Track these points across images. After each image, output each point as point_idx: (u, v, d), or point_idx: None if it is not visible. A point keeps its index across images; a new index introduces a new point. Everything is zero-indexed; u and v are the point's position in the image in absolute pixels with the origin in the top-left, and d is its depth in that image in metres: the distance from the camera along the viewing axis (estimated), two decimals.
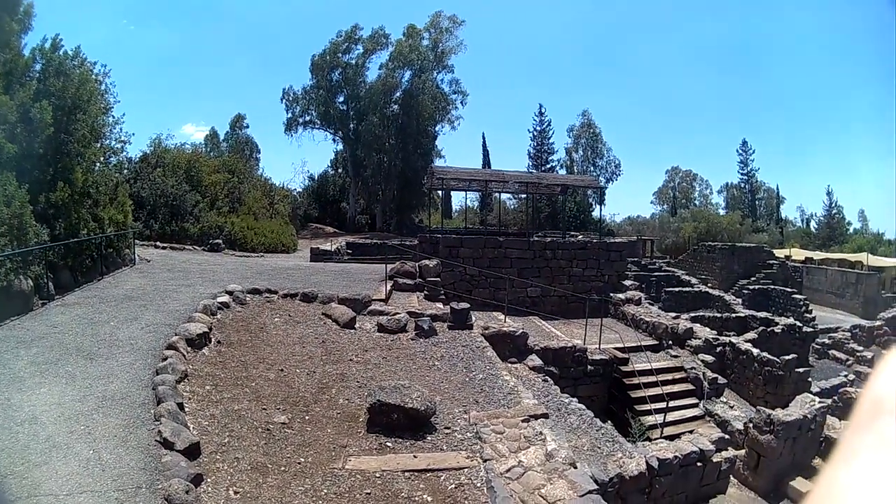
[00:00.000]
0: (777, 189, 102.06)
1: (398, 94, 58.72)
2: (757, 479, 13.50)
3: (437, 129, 62.51)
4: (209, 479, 6.82)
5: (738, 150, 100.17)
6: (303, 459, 7.62)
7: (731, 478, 13.46)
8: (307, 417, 8.89)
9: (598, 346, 18.23)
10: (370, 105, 56.85)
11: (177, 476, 6.41)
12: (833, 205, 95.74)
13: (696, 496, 11.88)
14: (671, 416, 15.93)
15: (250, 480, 6.95)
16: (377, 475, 7.41)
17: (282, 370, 10.63)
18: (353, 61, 59.50)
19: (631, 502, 10.52)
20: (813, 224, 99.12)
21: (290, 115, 61.22)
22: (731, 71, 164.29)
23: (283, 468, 7.35)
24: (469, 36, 77.03)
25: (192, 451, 7.18)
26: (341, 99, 60.51)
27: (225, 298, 14.08)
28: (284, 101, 61.12)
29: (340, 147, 64.18)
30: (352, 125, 60.04)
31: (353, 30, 59.27)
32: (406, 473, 7.54)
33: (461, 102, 63.28)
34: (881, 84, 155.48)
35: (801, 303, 36.44)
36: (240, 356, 11.05)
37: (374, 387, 9.46)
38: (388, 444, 8.34)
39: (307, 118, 61.40)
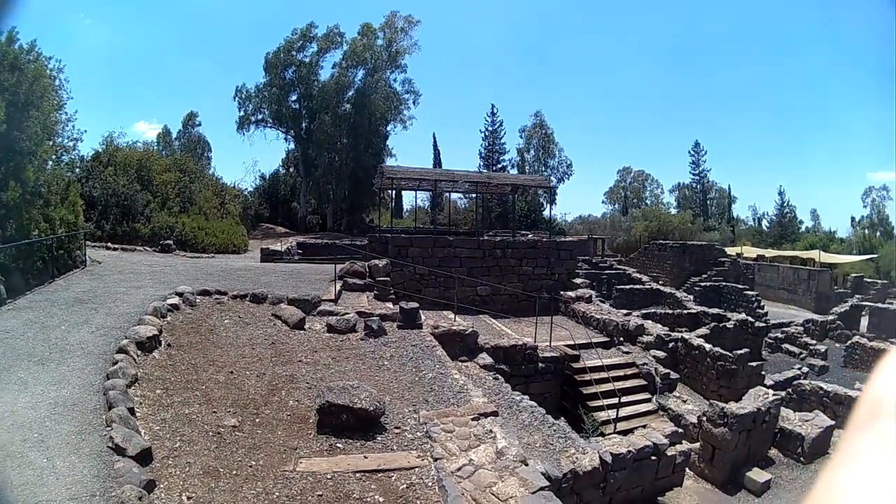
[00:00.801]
0: (729, 189, 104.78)
1: (351, 93, 58.83)
2: (713, 471, 13.75)
3: (388, 128, 62.86)
4: (162, 485, 6.74)
5: (689, 151, 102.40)
6: (254, 463, 7.57)
7: (688, 470, 13.69)
8: (257, 420, 8.82)
9: (548, 343, 18.37)
10: (322, 104, 56.94)
11: (129, 483, 6.31)
12: (785, 204, 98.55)
13: (652, 489, 12.03)
14: (624, 412, 16.09)
15: (202, 485, 6.88)
16: (328, 477, 7.37)
17: (231, 372, 10.53)
18: (307, 60, 59.33)
19: (586, 497, 10.64)
20: (765, 223, 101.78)
21: (242, 113, 60.83)
22: (683, 72, 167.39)
23: (234, 472, 7.29)
24: (423, 36, 77.37)
25: (145, 457, 7.09)
26: (294, 97, 60.28)
27: (175, 300, 13.90)
28: (237, 98, 60.69)
29: (292, 146, 63.95)
30: (304, 124, 59.93)
31: (308, 28, 59.02)
32: (357, 474, 7.52)
33: (413, 102, 63.70)
34: (834, 85, 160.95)
35: (753, 299, 37.21)
36: (190, 359, 10.93)
37: (323, 388, 9.41)
38: (339, 445, 8.32)
39: (259, 116, 61.04)
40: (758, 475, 13.54)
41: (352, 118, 57.43)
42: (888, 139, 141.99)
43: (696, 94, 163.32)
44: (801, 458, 14.80)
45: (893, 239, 72.17)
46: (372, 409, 8.82)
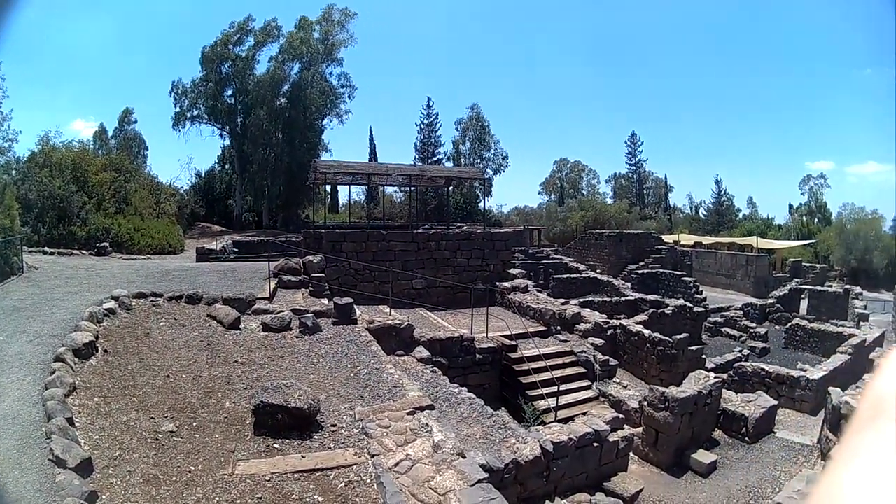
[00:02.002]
0: (665, 178, 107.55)
1: (286, 87, 59.17)
2: (658, 455, 13.92)
3: (324, 123, 63.58)
4: (104, 496, 6.62)
5: (626, 142, 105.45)
6: (193, 468, 7.48)
7: (633, 455, 13.86)
8: (195, 424, 8.72)
9: (485, 334, 18.55)
10: (258, 98, 56.98)
11: (71, 495, 6.19)
12: (722, 193, 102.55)
13: (597, 475, 12.10)
14: (565, 399, 16.31)
15: (143, 493, 6.79)
16: (267, 478, 7.34)
17: (168, 376, 10.39)
18: (244, 54, 59.37)
19: (530, 486, 10.67)
20: (702, 211, 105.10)
21: (178, 109, 60.58)
22: (619, 64, 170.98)
23: (174, 478, 7.21)
24: (360, 29, 77.10)
25: (85, 468, 6.94)
26: (230, 92, 60.26)
27: (111, 304, 13.60)
28: (173, 94, 60.36)
29: (228, 142, 63.84)
30: (239, 119, 59.92)
31: (245, 21, 59.05)
32: (296, 474, 7.49)
33: (349, 96, 64.41)
34: (771, 77, 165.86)
35: (692, 285, 37.98)
36: (126, 364, 10.74)
37: (258, 388, 9.35)
38: (276, 445, 8.28)
39: (195, 112, 60.82)
40: (703, 456, 13.74)
41: (287, 113, 57.94)
42: (826, 130, 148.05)
43: (632, 85, 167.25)
44: (746, 438, 15.05)
45: (832, 225, 74.63)
46: (307, 407, 8.76)
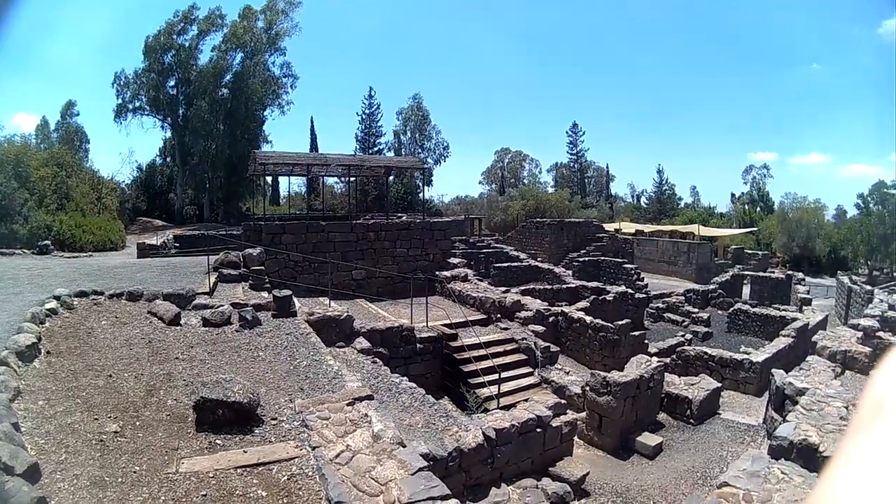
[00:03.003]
0: (607, 168, 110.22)
1: (229, 77, 58.74)
2: (603, 439, 14.09)
3: (266, 113, 63.32)
4: (52, 502, 6.50)
5: (567, 132, 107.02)
6: (138, 468, 7.39)
7: (578, 440, 14.08)
8: (138, 423, 8.61)
9: (425, 324, 18.66)
10: (200, 89, 56.38)
11: (21, 502, 6.07)
12: (664, 182, 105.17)
13: (542, 461, 12.18)
14: (507, 387, 16.47)
15: (91, 497, 6.69)
16: (211, 475, 7.28)
17: (110, 376, 10.23)
18: (187, 43, 58.38)
19: (475, 474, 10.71)
20: (644, 200, 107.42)
21: (120, 100, 59.22)
22: (560, 55, 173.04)
23: (120, 480, 7.11)
24: (302, 17, 76.29)
25: (33, 474, 6.82)
26: (172, 83, 59.23)
27: (53, 304, 13.37)
28: (116, 85, 59.01)
29: (169, 134, 62.55)
30: (181, 111, 59.00)
31: (189, 10, 58.02)
32: (238, 470, 7.46)
33: (292, 86, 64.30)
34: (715, 68, 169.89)
35: (633, 272, 38.64)
36: (69, 365, 10.56)
37: (198, 384, 9.28)
38: (218, 441, 8.21)
39: (137, 104, 59.56)
40: (648, 439, 13.93)
41: (229, 103, 57.62)
42: (770, 122, 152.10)
43: (574, 75, 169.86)
44: (691, 420, 15.31)
45: (774, 213, 76.71)
46: (246, 401, 8.72)
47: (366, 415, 8.98)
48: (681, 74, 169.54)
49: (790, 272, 43.19)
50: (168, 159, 66.13)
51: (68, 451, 7.60)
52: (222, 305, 14.42)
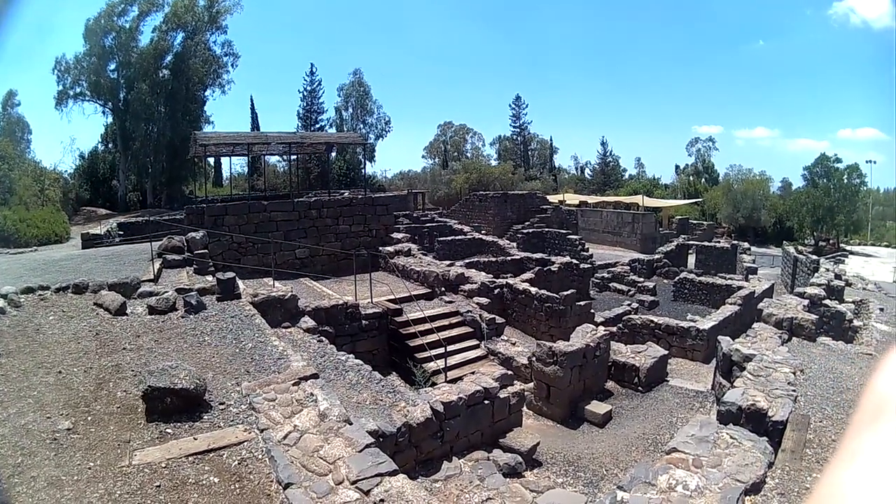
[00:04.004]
0: (551, 140, 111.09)
1: (169, 58, 57.66)
2: (552, 408, 14.27)
3: (206, 94, 62.43)
4: None
5: (510, 105, 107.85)
6: (92, 464, 7.39)
7: (527, 410, 14.26)
8: (90, 418, 8.60)
9: (370, 300, 18.72)
10: (141, 71, 55.28)
11: None
12: (608, 153, 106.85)
13: (492, 433, 12.29)
14: (454, 360, 16.63)
15: (49, 498, 6.70)
16: (163, 465, 7.33)
17: (60, 372, 10.17)
18: (128, 25, 56.73)
19: (425, 448, 10.79)
20: (588, 171, 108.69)
21: (60, 87, 57.43)
22: (502, 27, 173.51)
23: (76, 477, 7.11)
24: None
25: None
26: (113, 67, 57.74)
27: (0, 304, 13.19)
28: (56, 71, 57.15)
29: (111, 120, 60.88)
30: (122, 95, 57.66)
31: None
32: (190, 458, 7.51)
33: (233, 65, 63.52)
34: (660, 43, 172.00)
35: (577, 242, 39.25)
36: (20, 365, 10.47)
37: (145, 373, 9.18)
38: (168, 430, 8.25)
39: (78, 90, 57.82)
40: (598, 407, 14.13)
41: (170, 85, 56.74)
42: (715, 97, 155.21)
43: (517, 47, 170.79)
44: (640, 388, 15.57)
45: (719, 185, 78.31)
46: (193, 387, 8.72)
47: (311, 394, 9.04)
48: (627, 48, 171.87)
49: (735, 242, 44.16)
50: (110, 145, 64.57)
51: (24, 453, 7.62)
52: (167, 292, 14.35)
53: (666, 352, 17.12)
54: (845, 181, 60.68)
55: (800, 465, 8.04)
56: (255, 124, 79.03)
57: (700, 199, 72.57)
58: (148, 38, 57.63)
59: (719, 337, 15.25)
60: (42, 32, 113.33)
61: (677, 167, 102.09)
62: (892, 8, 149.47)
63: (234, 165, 60.84)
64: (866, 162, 68.85)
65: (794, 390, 10.26)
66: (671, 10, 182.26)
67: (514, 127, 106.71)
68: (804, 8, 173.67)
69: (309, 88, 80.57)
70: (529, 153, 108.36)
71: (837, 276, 24.40)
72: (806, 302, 18.19)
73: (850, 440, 0.74)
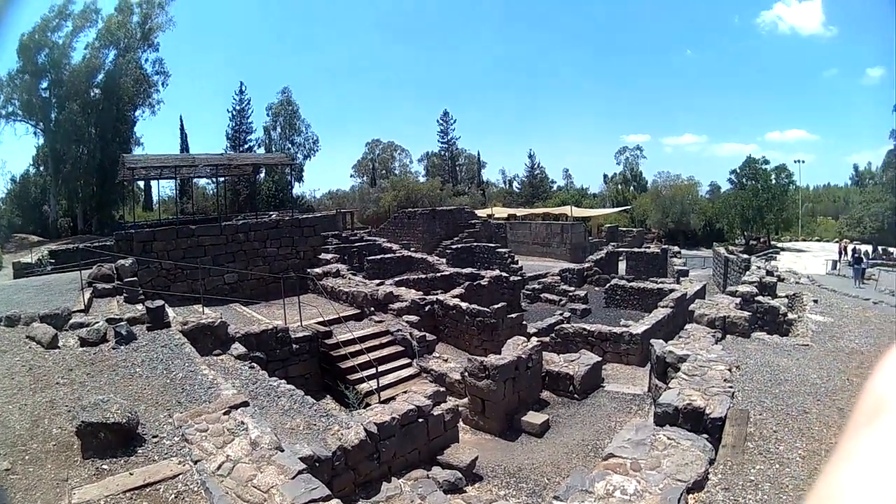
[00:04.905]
0: (478, 154, 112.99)
1: (101, 76, 56.42)
2: (488, 422, 14.30)
3: (136, 114, 61.38)
4: None
5: (438, 121, 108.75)
6: None
7: (463, 425, 14.24)
8: (27, 457, 8.41)
9: (300, 323, 18.61)
10: (72, 90, 53.95)
11: None
12: (536, 166, 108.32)
13: (429, 450, 12.24)
14: (387, 380, 16.63)
15: None
16: (102, 503, 7.23)
17: None
18: (61, 41, 55.11)
19: (363, 470, 10.74)
20: (515, 184, 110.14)
21: None
22: (429, 44, 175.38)
23: None
24: (176, 10, 73.17)
25: None
26: (45, 85, 55.93)
27: None
28: None
29: (42, 141, 58.96)
30: (53, 115, 55.88)
31: (66, 4, 54.63)
32: (128, 494, 7.40)
33: (163, 84, 62.52)
34: (582, 51, 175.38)
35: (507, 255, 39.60)
36: None
37: (78, 408, 9.11)
38: (105, 466, 8.11)
39: (10, 109, 55.75)
40: (534, 418, 14.21)
41: (101, 105, 55.39)
42: (643, 106, 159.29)
43: (444, 64, 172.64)
44: (576, 395, 15.67)
45: (647, 191, 79.97)
46: (125, 421, 8.57)
47: (242, 422, 8.97)
48: (553, 61, 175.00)
49: (665, 246, 44.93)
50: (41, 168, 62.82)
51: None
52: (98, 322, 14.11)
53: (600, 358, 17.27)
54: (773, 181, 62.55)
55: (742, 459, 8.13)
56: (184, 145, 78.13)
57: (629, 207, 74.11)
58: (81, 55, 56.40)
59: (652, 340, 15.45)
60: None
61: (606, 176, 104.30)
62: (821, 16, 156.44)
63: (163, 189, 59.81)
64: (795, 162, 71.23)
65: (730, 386, 10.38)
66: (597, 22, 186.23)
67: (443, 143, 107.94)
68: (732, 17, 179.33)
69: (238, 108, 79.87)
70: (458, 168, 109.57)
71: (769, 273, 24.90)
72: (738, 300, 18.52)
73: (849, 440, 0.74)
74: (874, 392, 0.76)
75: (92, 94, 55.82)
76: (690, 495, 7.09)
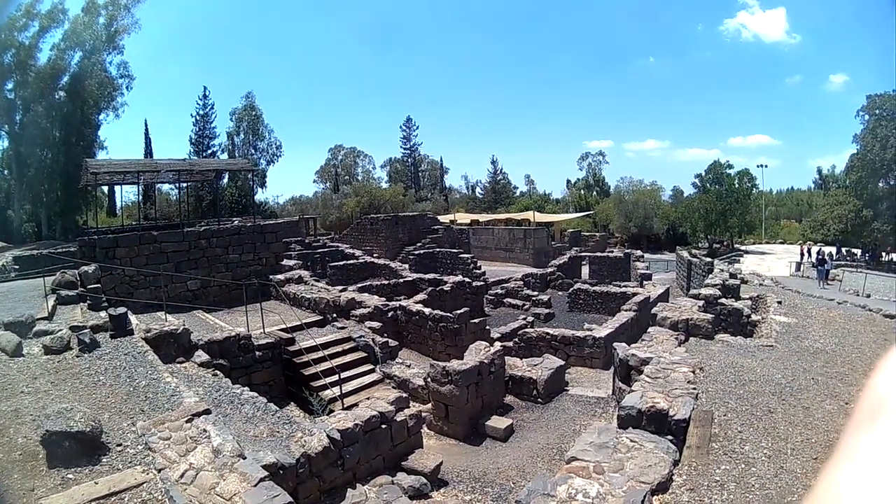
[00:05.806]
0: (441, 160, 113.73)
1: (66, 78, 55.37)
2: (452, 427, 14.33)
3: (101, 117, 60.16)
4: None
5: (401, 127, 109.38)
6: None
7: (427, 431, 14.31)
8: None
9: (262, 330, 18.53)
10: (37, 92, 52.93)
11: None
12: (498, 171, 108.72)
13: (393, 456, 12.24)
14: (350, 386, 16.63)
15: None
16: None
17: None
18: (27, 41, 53.76)
19: (327, 477, 10.69)
20: (478, 190, 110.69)
21: None
22: (392, 50, 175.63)
23: None
24: (142, 12, 71.95)
25: None
26: (10, 86, 54.59)
27: None
28: None
29: (6, 144, 57.72)
30: (18, 117, 54.75)
31: (32, 3, 53.22)
32: (93, 503, 7.41)
33: (127, 87, 61.25)
34: (545, 58, 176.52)
35: (469, 261, 39.92)
36: None
37: (42, 417, 9.04)
38: (70, 475, 8.10)
39: None
40: (498, 422, 14.26)
41: (65, 108, 54.46)
42: (605, 112, 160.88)
43: (407, 70, 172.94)
44: (539, 399, 15.72)
45: (610, 196, 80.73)
46: (89, 430, 8.58)
47: (204, 430, 9.02)
48: (516, 67, 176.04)
49: (628, 251, 45.33)
50: (6, 172, 61.59)
51: None
52: (61, 330, 14.07)
53: (563, 362, 17.34)
54: (737, 185, 63.33)
55: (707, 460, 8.21)
56: (148, 150, 77.60)
57: (592, 212, 74.63)
58: (46, 57, 55.21)
59: (615, 343, 15.54)
60: None
61: (569, 182, 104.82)
62: (785, 24, 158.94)
63: (127, 194, 58.99)
64: (758, 166, 72.32)
65: (694, 388, 10.48)
66: (560, 28, 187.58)
67: (405, 149, 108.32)
68: (695, 24, 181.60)
69: (202, 112, 79.16)
70: (420, 174, 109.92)
71: (732, 276, 25.18)
72: (701, 303, 18.73)
73: (849, 440, 0.74)
74: (874, 392, 0.77)
75: (57, 96, 54.94)
76: (655, 497, 7.14)
